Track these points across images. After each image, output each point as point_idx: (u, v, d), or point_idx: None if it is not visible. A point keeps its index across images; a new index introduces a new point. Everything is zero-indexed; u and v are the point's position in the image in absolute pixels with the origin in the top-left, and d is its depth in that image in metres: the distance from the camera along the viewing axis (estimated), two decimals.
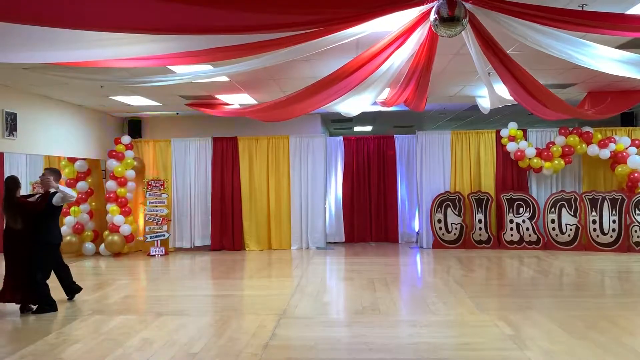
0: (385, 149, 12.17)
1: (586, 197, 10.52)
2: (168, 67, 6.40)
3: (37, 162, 11.58)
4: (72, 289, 6.99)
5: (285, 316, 5.92)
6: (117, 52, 4.18)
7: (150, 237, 11.06)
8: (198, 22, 3.31)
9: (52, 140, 9.28)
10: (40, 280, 6.34)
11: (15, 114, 8.13)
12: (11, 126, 8.06)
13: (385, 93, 8.01)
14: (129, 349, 4.87)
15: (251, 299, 7.12)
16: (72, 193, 6.60)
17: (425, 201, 11.28)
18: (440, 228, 11.08)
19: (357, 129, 15.77)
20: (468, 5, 3.86)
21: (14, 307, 6.47)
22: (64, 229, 10.59)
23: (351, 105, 7.80)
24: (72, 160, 10.75)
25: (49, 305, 6.37)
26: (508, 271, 8.85)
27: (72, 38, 3.63)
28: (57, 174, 6.72)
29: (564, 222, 10.60)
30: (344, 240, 12.03)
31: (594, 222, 10.42)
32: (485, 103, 9.22)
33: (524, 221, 10.75)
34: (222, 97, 9.34)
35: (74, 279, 7.08)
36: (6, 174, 10.52)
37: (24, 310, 6.40)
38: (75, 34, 3.47)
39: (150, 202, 11.14)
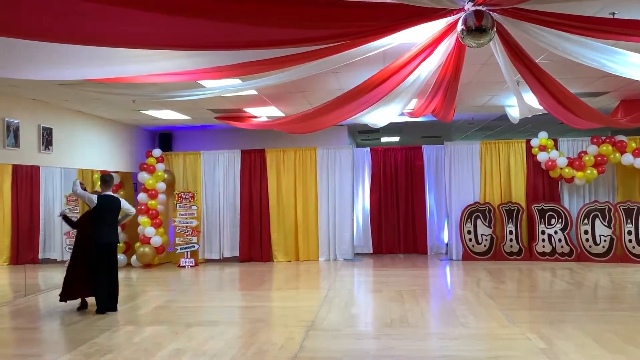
0: (413, 159, 12.10)
1: (621, 207, 10.26)
2: (198, 81, 6.52)
3: (72, 175, 11.86)
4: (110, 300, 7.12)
5: (314, 328, 5.92)
6: (149, 68, 4.29)
7: (180, 249, 11.20)
8: (227, 38, 3.38)
9: (86, 154, 9.53)
10: (96, 279, 6.88)
11: (51, 129, 8.38)
12: (47, 141, 8.30)
13: (413, 104, 7.99)
14: None
15: (279, 310, 7.14)
16: (91, 196, 7.10)
17: (454, 212, 11.16)
18: (470, 239, 10.94)
19: (384, 139, 15.74)
20: (495, 16, 3.84)
21: (51, 317, 6.63)
22: None
23: (378, 116, 7.81)
24: (105, 173, 11.00)
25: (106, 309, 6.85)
26: (540, 283, 8.67)
27: (106, 55, 3.74)
28: (103, 180, 7.35)
29: (597, 233, 10.35)
30: (371, 251, 11.96)
31: (629, 232, 10.14)
32: (514, 112, 9.11)
33: (556, 232, 10.53)
34: (250, 110, 9.46)
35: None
36: (42, 187, 10.83)
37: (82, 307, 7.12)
38: (108, 52, 3.58)
39: (180, 214, 11.30)
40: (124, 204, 7.33)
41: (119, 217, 7.31)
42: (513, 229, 10.75)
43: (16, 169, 10.28)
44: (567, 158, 10.65)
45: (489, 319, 6.14)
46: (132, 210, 7.48)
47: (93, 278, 6.89)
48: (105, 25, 2.99)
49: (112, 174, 8.31)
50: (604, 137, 10.53)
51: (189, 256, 11.17)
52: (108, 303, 6.92)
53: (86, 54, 3.65)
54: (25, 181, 10.70)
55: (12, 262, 10.30)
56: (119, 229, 7.85)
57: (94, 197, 7.02)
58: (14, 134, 7.55)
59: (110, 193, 7.23)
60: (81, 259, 7.02)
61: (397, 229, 12.05)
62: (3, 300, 8.00)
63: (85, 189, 7.20)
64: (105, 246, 6.98)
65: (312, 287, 8.77)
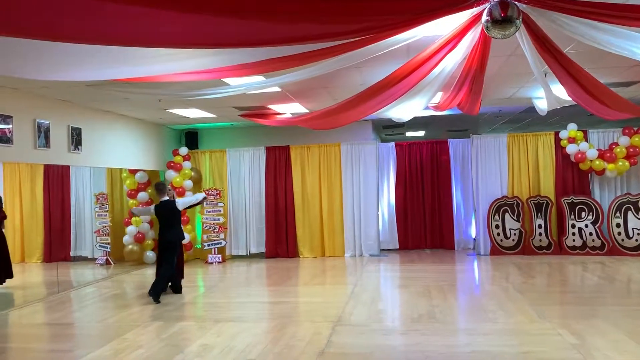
0: (439, 154, 11.98)
1: None
2: (222, 79, 6.57)
3: (101, 174, 12.09)
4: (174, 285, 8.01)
5: (341, 323, 5.92)
6: (174, 67, 4.33)
7: (208, 245, 11.33)
8: (250, 36, 3.39)
9: (114, 153, 9.70)
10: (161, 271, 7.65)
11: (80, 129, 8.55)
12: (76, 140, 8.47)
13: (438, 97, 7.91)
14: (189, 355, 5.00)
15: (306, 306, 7.16)
16: (148, 209, 8.39)
17: (481, 207, 11.03)
18: (498, 234, 10.80)
19: (409, 134, 15.62)
20: (521, 6, 3.77)
21: (83, 313, 6.77)
22: (125, 238, 11.02)
23: (403, 110, 7.75)
24: (132, 171, 11.17)
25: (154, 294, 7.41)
26: (571, 278, 8.52)
27: (132, 55, 3.79)
28: (156, 189, 8.03)
29: (630, 226, 10.10)
30: (398, 247, 11.90)
31: None
32: (542, 104, 8.94)
33: (586, 226, 10.32)
34: (274, 107, 9.49)
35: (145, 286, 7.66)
36: (72, 187, 11.06)
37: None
38: (135, 52, 3.62)
39: (207, 211, 11.42)
40: (182, 201, 8.26)
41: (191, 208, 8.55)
42: (542, 222, 10.57)
43: (47, 169, 10.51)
44: (598, 150, 10.41)
45: (518, 314, 6.06)
46: (197, 198, 8.43)
47: (158, 270, 7.74)
48: (132, 26, 3.03)
49: (163, 181, 9.42)
50: (636, 128, 10.27)
51: (216, 252, 11.30)
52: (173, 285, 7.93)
53: (113, 54, 3.70)
54: (57, 181, 10.93)
55: (45, 259, 10.54)
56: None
57: (152, 208, 7.95)
58: (44, 135, 7.72)
59: (166, 199, 7.80)
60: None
61: (424, 224, 11.96)
62: (37, 296, 8.21)
63: (173, 196, 8.27)
64: (166, 244, 7.65)
65: (338, 282, 8.77)
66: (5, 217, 8.75)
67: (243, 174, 11.91)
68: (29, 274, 10.27)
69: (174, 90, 7.06)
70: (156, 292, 7.38)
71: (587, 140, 10.59)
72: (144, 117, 10.46)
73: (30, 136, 7.48)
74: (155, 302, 7.25)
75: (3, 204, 8.84)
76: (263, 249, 11.76)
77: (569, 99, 6.96)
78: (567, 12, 3.85)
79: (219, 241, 11.35)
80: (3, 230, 8.62)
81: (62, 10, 2.70)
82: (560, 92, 6.77)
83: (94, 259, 10.98)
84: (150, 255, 11.35)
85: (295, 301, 7.53)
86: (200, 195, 8.58)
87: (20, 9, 2.58)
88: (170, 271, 7.63)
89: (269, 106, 9.39)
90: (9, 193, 10.53)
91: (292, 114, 9.94)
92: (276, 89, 7.78)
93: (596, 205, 10.33)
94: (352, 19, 3.39)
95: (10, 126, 7.04)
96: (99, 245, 10.94)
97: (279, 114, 9.91)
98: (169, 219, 7.70)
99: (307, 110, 9.68)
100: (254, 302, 7.52)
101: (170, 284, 7.93)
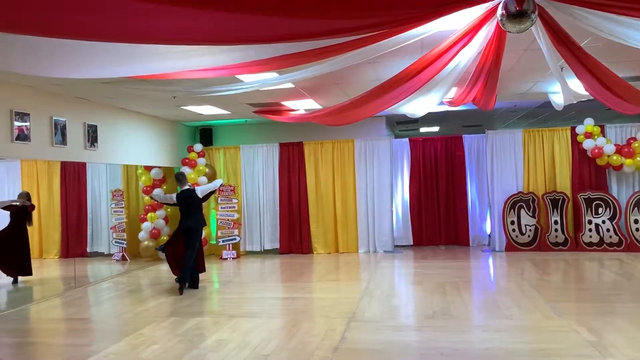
0: (453, 149, 11.91)
1: None
2: (236, 76, 6.58)
3: (117, 171, 12.22)
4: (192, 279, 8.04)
5: (355, 319, 5.93)
6: (188, 63, 4.35)
7: (222, 241, 11.40)
8: (263, 32, 3.39)
9: (130, 149, 9.78)
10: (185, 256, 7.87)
11: (95, 126, 8.63)
12: (92, 138, 8.56)
13: (452, 92, 7.85)
14: (204, 350, 5.03)
15: (320, 302, 7.17)
16: (170, 196, 8.32)
17: (497, 202, 10.94)
18: (514, 230, 10.71)
19: (423, 130, 15.54)
20: None
21: (100, 308, 6.85)
22: (141, 234, 11.12)
23: (417, 106, 7.70)
24: (148, 168, 11.26)
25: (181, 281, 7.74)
26: (587, 274, 8.43)
27: (146, 52, 3.81)
28: (176, 179, 8.29)
29: None
30: (412, 243, 11.85)
31: None
32: (558, 99, 8.83)
33: (603, 222, 10.20)
34: (288, 104, 9.49)
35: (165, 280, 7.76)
36: (89, 183, 11.19)
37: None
38: (148, 49, 3.64)
39: (221, 207, 11.48)
40: (201, 189, 8.33)
41: (206, 195, 8.47)
42: (558, 218, 10.46)
43: (64, 165, 10.64)
44: (615, 145, 10.26)
45: (534, 311, 6.01)
46: (215, 184, 8.64)
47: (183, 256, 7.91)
48: (146, 23, 3.05)
49: (182, 170, 10.05)
50: None
51: (230, 248, 11.36)
52: (190, 280, 7.97)
53: (127, 51, 3.72)
54: (73, 177, 11.07)
55: (62, 255, 10.69)
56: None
57: (174, 196, 8.13)
58: (61, 132, 7.81)
59: (186, 187, 8.13)
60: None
61: (438, 221, 11.90)
62: (55, 292, 8.33)
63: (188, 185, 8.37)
64: (187, 231, 7.90)
65: (352, 278, 8.77)
66: (33, 207, 9.08)
67: (257, 170, 11.95)
68: (47, 269, 10.42)
69: (188, 87, 7.09)
70: (183, 279, 7.70)
71: (604, 135, 10.45)
72: (159, 114, 10.53)
73: (47, 134, 7.57)
74: (180, 289, 7.64)
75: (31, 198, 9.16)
76: (277, 245, 11.80)
77: (586, 93, 6.86)
78: (584, 5, 3.79)
79: (233, 237, 11.41)
80: (29, 226, 8.86)
81: (78, 8, 2.72)
82: (577, 86, 6.68)
83: (110, 255, 11.10)
84: None
85: (310, 297, 7.54)
86: (217, 182, 8.83)
87: (38, 7, 2.60)
88: (194, 255, 7.86)
89: (283, 102, 9.40)
90: (27, 190, 10.67)
91: (305, 110, 9.94)
92: (290, 85, 7.78)
93: (613, 201, 10.20)
94: (365, 14, 3.37)
95: (27, 124, 7.13)
96: (115, 241, 11.06)
97: (293, 110, 9.92)
98: (190, 206, 7.97)
99: (320, 107, 9.67)
100: (269, 297, 7.55)
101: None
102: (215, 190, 9.02)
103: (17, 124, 6.95)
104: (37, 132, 7.34)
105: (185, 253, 7.82)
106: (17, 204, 8.72)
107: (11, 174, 10.57)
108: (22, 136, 7.05)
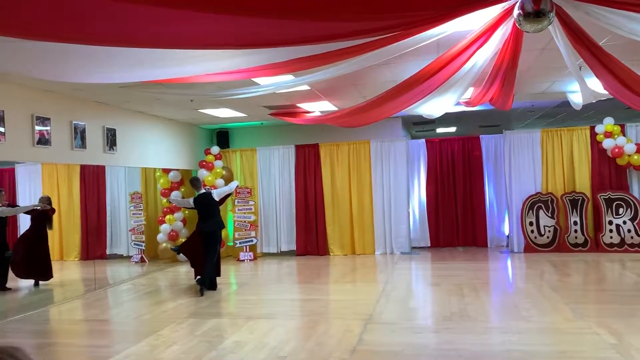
0: (470, 150, 11.84)
1: None
2: (252, 79, 6.62)
3: (135, 173, 12.36)
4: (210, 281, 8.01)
5: (372, 321, 5.92)
6: (205, 67, 4.39)
7: (240, 243, 11.46)
8: (280, 35, 3.41)
9: (148, 152, 9.89)
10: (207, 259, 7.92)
11: (114, 130, 8.74)
12: (111, 141, 8.66)
13: (469, 92, 7.80)
14: (222, 351, 5.07)
15: (337, 303, 7.17)
16: (187, 201, 8.31)
17: (515, 203, 10.84)
18: (532, 231, 10.60)
19: (440, 130, 15.45)
20: None
21: (119, 309, 6.93)
22: (159, 236, 11.23)
23: (434, 106, 7.67)
24: (166, 171, 11.37)
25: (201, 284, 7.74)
26: (608, 276, 8.31)
27: (164, 57, 3.86)
28: (192, 184, 8.37)
29: None
30: (429, 245, 11.80)
31: None
32: (577, 99, 8.73)
33: (624, 222, 10.05)
34: (304, 106, 9.51)
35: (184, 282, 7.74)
36: (108, 186, 11.33)
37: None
38: (167, 53, 3.68)
39: (238, 209, 11.55)
40: (217, 192, 8.40)
41: (223, 198, 8.49)
42: (578, 219, 10.33)
43: (83, 169, 10.79)
44: (636, 144, 10.10)
45: (553, 313, 5.94)
46: (231, 187, 8.71)
47: (203, 260, 7.95)
48: (164, 28, 3.09)
49: (196, 176, 9.93)
50: None
51: (247, 250, 11.42)
52: (209, 283, 7.92)
53: (145, 56, 3.77)
54: (93, 180, 11.22)
55: (82, 257, 10.84)
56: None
57: (191, 200, 8.16)
58: (80, 136, 7.92)
59: (203, 191, 8.24)
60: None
61: (455, 222, 11.82)
62: (76, 293, 8.45)
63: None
64: (207, 234, 7.97)
65: (369, 280, 8.76)
66: (54, 211, 9.16)
67: (273, 172, 11.99)
68: (67, 271, 10.58)
69: (205, 90, 7.15)
70: (203, 281, 7.73)
71: (624, 135, 10.30)
72: (177, 117, 10.63)
73: (67, 137, 7.69)
74: (201, 291, 7.66)
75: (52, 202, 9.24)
76: (293, 247, 11.83)
77: (605, 92, 6.78)
78: (602, 4, 3.74)
79: (250, 239, 11.46)
80: (49, 229, 8.96)
81: (95, 14, 2.76)
82: (596, 85, 6.60)
83: (129, 257, 11.23)
84: None
85: (326, 299, 7.55)
86: (233, 184, 8.95)
87: (56, 13, 2.65)
88: (215, 258, 7.95)
89: (299, 105, 9.42)
90: (47, 193, 10.83)
91: (321, 112, 9.96)
92: (306, 87, 7.80)
93: (635, 201, 10.05)
94: (382, 15, 3.38)
95: (48, 128, 7.25)
96: (134, 243, 11.18)
97: (308, 112, 9.94)
98: (207, 209, 8.03)
99: (336, 108, 9.67)
100: (286, 299, 7.57)
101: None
102: (232, 192, 9.11)
103: (38, 128, 7.07)
104: (58, 136, 7.46)
105: (206, 255, 7.88)
106: (38, 208, 8.86)
107: (32, 177, 10.75)
108: (43, 140, 7.17)
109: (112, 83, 6.66)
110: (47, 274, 8.80)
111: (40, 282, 8.84)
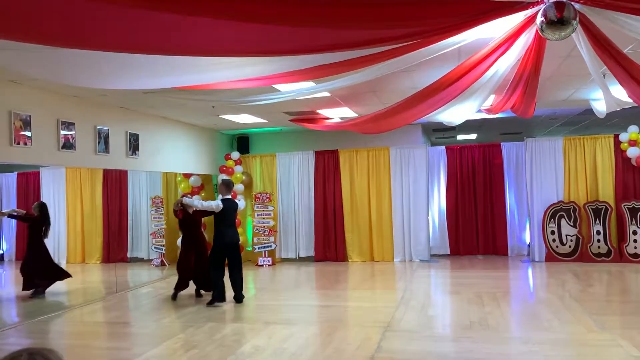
0: (491, 157, 11.73)
1: None
2: (273, 86, 6.67)
3: (156, 178, 12.51)
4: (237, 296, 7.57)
5: (390, 329, 5.89)
6: (228, 74, 4.44)
7: (258, 248, 11.51)
8: (305, 43, 3.44)
9: (169, 157, 10.01)
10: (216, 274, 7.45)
11: (137, 135, 8.87)
12: (134, 146, 8.79)
13: (491, 100, 7.75)
14: (241, 356, 5.09)
15: (356, 310, 7.16)
16: (216, 203, 7.50)
17: (536, 212, 10.71)
18: (554, 240, 10.46)
19: (460, 137, 15.36)
20: (578, 6, 3.66)
21: (140, 312, 7.01)
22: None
23: (454, 114, 7.64)
24: (187, 176, 11.48)
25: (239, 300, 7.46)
26: (632, 286, 8.16)
27: (188, 64, 3.92)
28: (225, 185, 7.81)
29: None
30: (449, 253, 11.70)
31: None
32: (600, 106, 8.61)
33: None
34: (324, 112, 9.55)
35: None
36: (130, 190, 11.49)
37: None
38: (191, 60, 3.74)
39: (257, 214, 11.60)
40: (241, 204, 8.23)
41: (204, 212, 7.82)
42: (601, 229, 10.17)
43: (106, 173, 10.98)
44: None
45: (575, 324, 5.85)
46: (213, 204, 7.60)
47: (212, 274, 7.48)
48: (189, 36, 3.14)
49: (228, 179, 9.12)
50: None
51: (266, 255, 11.46)
52: (236, 295, 7.52)
53: (169, 63, 3.84)
54: (115, 185, 11.40)
55: (103, 260, 11.01)
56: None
57: (219, 202, 7.49)
58: (104, 141, 8.05)
59: (229, 197, 7.73)
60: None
61: (476, 230, 11.72)
62: (97, 296, 8.56)
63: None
64: (229, 246, 7.52)
65: (388, 287, 8.72)
66: (44, 219, 8.61)
67: (292, 178, 12.03)
68: (89, 274, 10.74)
69: (227, 96, 7.23)
70: (239, 299, 7.48)
71: None
72: (198, 123, 10.75)
73: (91, 142, 7.82)
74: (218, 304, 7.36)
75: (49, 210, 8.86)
76: (312, 253, 11.83)
77: (630, 100, 6.68)
78: (627, 11, 3.70)
79: (269, 244, 11.51)
80: (45, 238, 8.52)
81: (120, 25, 2.82)
82: (620, 93, 6.51)
83: (149, 261, 11.36)
84: None
85: (345, 305, 7.54)
86: (214, 203, 7.54)
87: (85, 23, 2.72)
88: (240, 271, 7.62)
89: (319, 111, 9.46)
90: (70, 196, 11.05)
91: (341, 118, 9.98)
92: (326, 94, 7.83)
93: None
94: (403, 23, 3.39)
95: (72, 132, 7.39)
96: (155, 247, 11.30)
97: (328, 118, 9.97)
98: (231, 217, 7.67)
99: (356, 115, 9.69)
100: (304, 305, 7.58)
101: (195, 287, 8.10)
102: (212, 210, 7.63)
103: (63, 132, 7.21)
104: (82, 141, 7.59)
105: (233, 267, 7.57)
106: (15, 214, 8.87)
107: (56, 181, 10.97)
108: (68, 144, 7.31)
109: (136, 89, 6.77)
110: (60, 275, 8.54)
111: (63, 283, 8.77)
